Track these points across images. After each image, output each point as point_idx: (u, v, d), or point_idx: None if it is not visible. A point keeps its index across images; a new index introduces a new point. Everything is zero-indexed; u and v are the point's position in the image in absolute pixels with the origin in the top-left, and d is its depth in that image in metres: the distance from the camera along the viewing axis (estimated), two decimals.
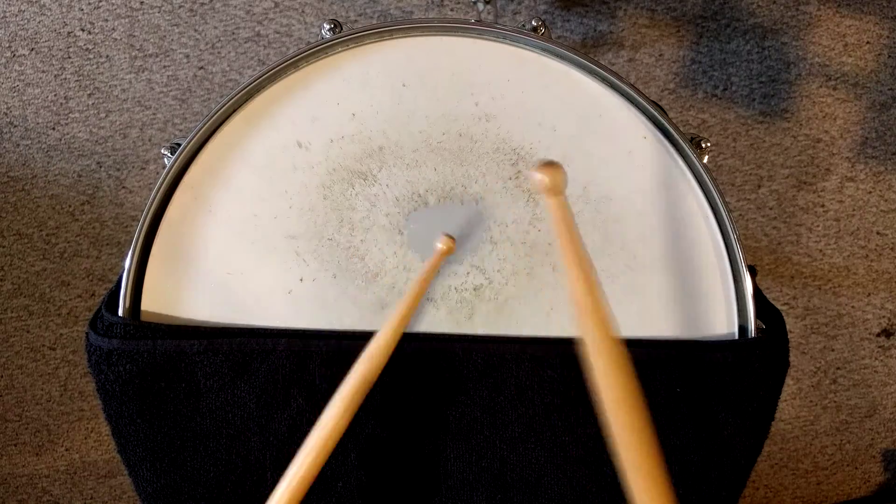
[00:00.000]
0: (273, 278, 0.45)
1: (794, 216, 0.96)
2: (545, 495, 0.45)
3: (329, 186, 0.45)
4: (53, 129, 0.92)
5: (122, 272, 0.44)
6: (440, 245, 0.43)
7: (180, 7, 0.89)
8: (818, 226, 0.96)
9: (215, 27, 0.89)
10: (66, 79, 0.90)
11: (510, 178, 0.45)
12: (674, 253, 0.45)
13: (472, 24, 0.45)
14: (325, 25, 0.46)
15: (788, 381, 0.91)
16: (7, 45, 0.89)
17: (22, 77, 0.90)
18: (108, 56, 0.90)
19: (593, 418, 0.41)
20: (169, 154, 0.45)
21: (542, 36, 0.46)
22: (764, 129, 0.93)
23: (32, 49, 0.89)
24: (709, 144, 0.47)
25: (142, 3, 0.88)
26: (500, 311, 0.45)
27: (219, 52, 0.90)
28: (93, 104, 0.91)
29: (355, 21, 0.89)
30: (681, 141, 0.45)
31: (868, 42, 0.91)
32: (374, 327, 0.45)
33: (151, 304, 0.45)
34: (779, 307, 0.49)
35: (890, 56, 0.91)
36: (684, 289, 0.45)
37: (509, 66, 0.45)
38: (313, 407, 0.44)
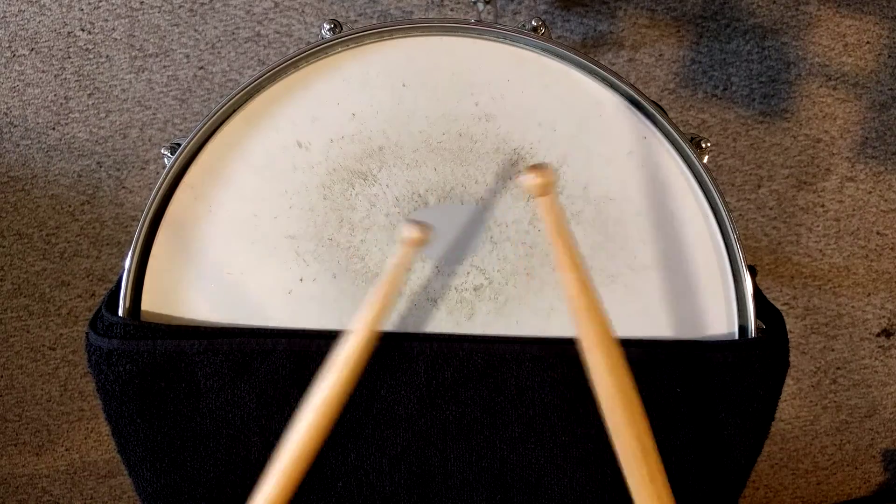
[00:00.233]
0: (273, 278, 0.45)
1: (794, 216, 0.96)
2: (545, 495, 0.45)
3: (329, 186, 0.45)
4: (53, 129, 0.92)
5: (122, 272, 0.44)
6: (406, 234, 0.39)
7: (180, 7, 0.89)
8: (818, 226, 0.96)
9: (215, 27, 0.89)
10: (66, 79, 0.90)
11: (510, 178, 0.45)
12: (674, 253, 0.45)
13: (472, 24, 0.45)
14: (325, 25, 0.46)
15: (788, 381, 0.91)
16: (7, 45, 0.89)
17: (22, 77, 0.90)
18: (108, 56, 0.90)
19: (593, 418, 0.41)
20: (169, 154, 0.45)
21: (542, 36, 0.46)
22: (764, 129, 0.93)
23: (32, 49, 0.89)
24: (709, 144, 0.47)
25: (142, 3, 0.88)
26: (500, 311, 0.45)
27: (219, 52, 0.90)
28: (93, 104, 0.91)
29: (355, 21, 0.89)
30: (681, 141, 0.45)
31: (868, 42, 0.91)
32: None
33: (151, 304, 0.45)
34: (779, 307, 0.49)
35: (890, 56, 0.91)
36: (684, 289, 0.45)
37: (509, 66, 0.45)
38: None
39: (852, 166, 0.94)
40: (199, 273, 0.45)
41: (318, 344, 0.43)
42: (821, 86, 0.92)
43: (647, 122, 0.45)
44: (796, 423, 1.05)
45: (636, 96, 0.45)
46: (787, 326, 0.45)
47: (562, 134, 0.45)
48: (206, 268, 0.45)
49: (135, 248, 0.44)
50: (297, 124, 0.45)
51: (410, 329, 0.45)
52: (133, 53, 0.90)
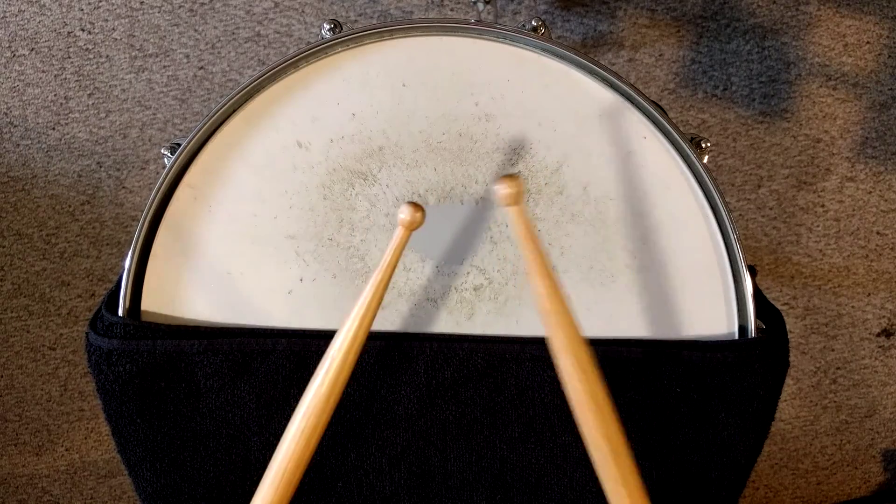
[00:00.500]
0: (273, 278, 0.45)
1: (794, 216, 0.96)
2: (545, 495, 0.45)
3: (329, 186, 0.45)
4: (53, 129, 0.92)
5: (122, 272, 0.44)
6: (403, 216, 0.39)
7: (180, 7, 0.89)
8: (818, 226, 0.96)
9: (215, 27, 0.89)
10: (66, 79, 0.90)
11: None
12: (674, 253, 0.45)
13: (472, 24, 0.45)
14: (325, 25, 0.46)
15: (788, 381, 0.91)
16: (7, 45, 0.89)
17: (22, 77, 0.90)
18: (108, 56, 0.90)
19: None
20: (169, 154, 0.45)
21: (542, 36, 0.46)
22: (764, 129, 0.93)
23: (32, 49, 0.89)
24: (709, 144, 0.47)
25: (142, 3, 0.88)
26: (500, 311, 0.45)
27: (219, 52, 0.90)
28: (93, 104, 0.91)
29: (355, 21, 0.89)
30: (681, 141, 0.45)
31: (868, 42, 0.91)
32: (374, 327, 0.45)
33: (151, 304, 0.45)
34: (779, 307, 0.49)
35: (890, 56, 0.91)
36: (684, 289, 0.45)
37: (509, 66, 0.45)
38: None
39: (852, 166, 0.94)
40: (199, 273, 0.45)
41: (318, 344, 0.43)
42: (821, 86, 0.92)
43: (647, 122, 0.45)
44: (796, 423, 1.05)
45: (636, 96, 0.45)
46: (787, 326, 0.45)
47: (562, 134, 0.45)
48: (206, 268, 0.45)
49: (135, 248, 0.44)
50: (297, 124, 0.45)
51: (410, 329, 0.45)
52: (133, 53, 0.90)
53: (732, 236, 0.45)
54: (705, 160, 0.45)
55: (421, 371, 0.44)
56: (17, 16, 0.88)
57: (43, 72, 0.90)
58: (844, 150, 0.94)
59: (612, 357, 0.43)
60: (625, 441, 0.37)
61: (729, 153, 0.93)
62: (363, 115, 0.45)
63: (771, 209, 0.95)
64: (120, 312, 0.44)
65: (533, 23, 0.46)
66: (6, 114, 0.91)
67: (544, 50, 0.45)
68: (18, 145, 0.92)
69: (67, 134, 0.92)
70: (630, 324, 0.45)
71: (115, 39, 0.89)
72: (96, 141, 0.92)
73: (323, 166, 0.45)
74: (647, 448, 0.44)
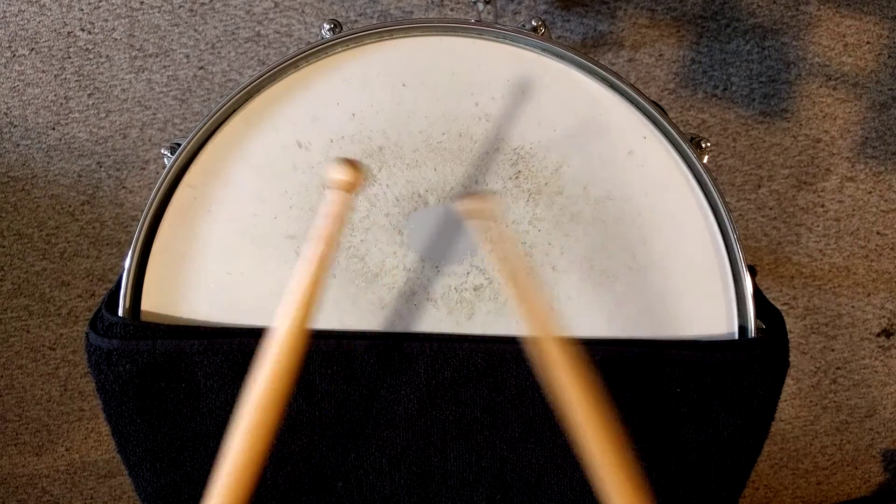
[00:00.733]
0: (273, 278, 0.45)
1: (794, 216, 0.96)
2: (545, 495, 0.45)
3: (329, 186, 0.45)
4: (53, 129, 0.92)
5: (122, 272, 0.44)
6: (336, 175, 0.35)
7: (180, 7, 0.89)
8: (818, 226, 0.96)
9: (215, 27, 0.89)
10: (66, 79, 0.90)
11: (510, 178, 0.45)
12: (674, 253, 0.45)
13: (472, 24, 0.45)
14: (325, 25, 0.46)
15: (788, 381, 0.91)
16: (7, 45, 0.89)
17: (22, 77, 0.90)
18: (108, 56, 0.90)
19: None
20: (169, 154, 0.45)
21: (542, 36, 0.46)
22: (764, 129, 0.93)
23: (32, 49, 0.89)
24: (709, 144, 0.47)
25: (142, 3, 0.88)
26: (500, 311, 0.45)
27: (219, 52, 0.90)
28: (93, 104, 0.91)
29: (355, 21, 0.89)
30: (681, 141, 0.45)
31: (868, 42, 0.91)
32: (374, 327, 0.45)
33: (151, 304, 0.45)
34: (779, 307, 0.49)
35: (890, 56, 0.91)
36: (684, 289, 0.45)
37: (509, 66, 0.45)
38: (313, 407, 0.44)
39: (852, 166, 0.94)
40: (200, 273, 0.45)
41: (317, 344, 0.43)
42: (821, 86, 0.92)
43: (647, 122, 0.45)
44: (796, 423, 1.05)
45: (636, 96, 0.45)
46: (787, 326, 0.45)
47: (562, 134, 0.45)
48: (206, 268, 0.45)
49: (135, 248, 0.44)
50: (297, 124, 0.45)
51: (411, 329, 0.45)
52: (133, 53, 0.90)
53: (732, 236, 0.45)
54: (705, 160, 0.45)
55: (421, 371, 0.44)
56: (17, 16, 0.88)
57: (43, 72, 0.90)
58: (844, 150, 0.94)
59: (612, 357, 0.43)
60: (609, 436, 0.37)
61: (729, 153, 0.94)
62: (363, 115, 0.45)
63: (771, 209, 0.95)
64: (120, 312, 0.44)
65: (533, 23, 0.46)
66: (6, 114, 0.91)
67: (544, 50, 0.45)
68: (18, 145, 0.92)
69: (67, 134, 0.92)
70: (630, 324, 0.45)
71: (115, 39, 0.89)
72: (96, 141, 0.92)
73: (323, 166, 0.45)
74: (646, 448, 0.44)
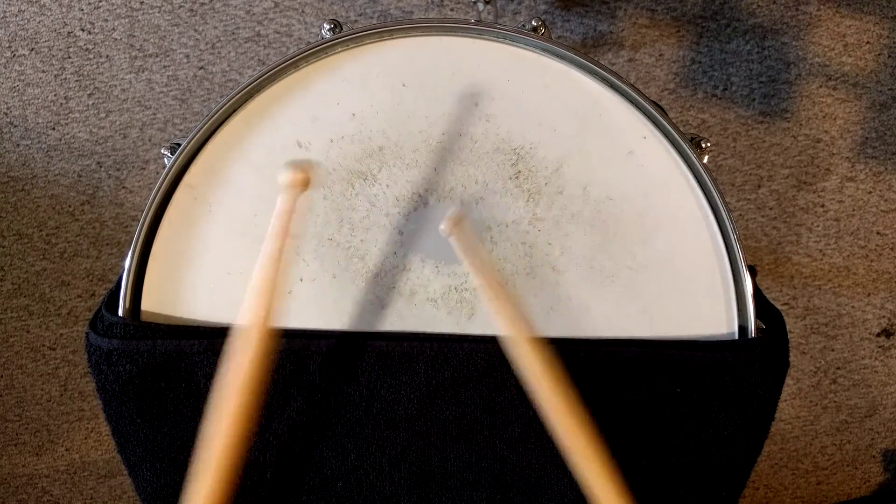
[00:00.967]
0: None
1: (794, 216, 0.96)
2: (545, 495, 0.45)
3: (329, 186, 0.45)
4: (53, 129, 0.92)
5: (122, 272, 0.44)
6: (287, 175, 0.39)
7: (180, 7, 0.89)
8: (818, 226, 0.96)
9: (215, 27, 0.89)
10: (66, 79, 0.91)
11: (510, 178, 0.45)
12: (674, 253, 0.45)
13: (472, 24, 0.45)
14: (325, 25, 0.46)
15: (788, 381, 0.91)
16: (7, 45, 0.89)
17: (22, 77, 0.90)
18: (108, 56, 0.90)
19: (593, 419, 0.41)
20: (169, 154, 0.45)
21: (542, 36, 0.46)
22: (764, 129, 0.93)
23: (32, 49, 0.89)
24: (709, 144, 0.47)
25: (142, 3, 0.88)
26: None
27: (219, 52, 0.90)
28: (93, 104, 0.91)
29: (355, 21, 0.89)
30: (681, 141, 0.45)
31: (868, 42, 0.91)
32: (374, 327, 0.45)
33: (151, 304, 0.45)
34: (779, 307, 0.49)
35: (890, 56, 0.91)
36: (684, 289, 0.45)
37: (509, 66, 0.45)
38: (313, 407, 0.44)
39: (852, 166, 0.94)
40: (199, 273, 0.45)
41: (318, 344, 0.43)
42: (821, 86, 0.92)
43: (647, 122, 0.45)
44: (796, 423, 1.05)
45: (636, 96, 0.45)
46: (787, 326, 0.45)
47: (562, 134, 0.45)
48: (206, 268, 0.45)
49: (135, 248, 0.44)
50: (297, 124, 0.45)
51: (410, 329, 0.45)
52: (133, 53, 0.90)
53: (732, 236, 0.45)
54: (705, 160, 0.45)
55: (421, 371, 0.44)
56: (17, 16, 0.88)
57: (43, 72, 0.90)
58: (844, 150, 0.94)
59: (612, 357, 0.43)
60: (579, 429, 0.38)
61: (729, 153, 0.94)
62: (363, 115, 0.45)
63: (771, 209, 0.95)
64: (120, 312, 0.44)
65: (533, 23, 0.46)
66: (6, 114, 0.91)
67: (544, 50, 0.45)
68: (18, 145, 0.92)
69: (67, 134, 0.92)
70: (630, 324, 0.45)
71: (115, 39, 0.89)
72: (96, 141, 0.92)
73: (323, 166, 0.45)
74: (647, 448, 0.44)
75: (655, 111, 0.45)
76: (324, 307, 0.45)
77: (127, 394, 0.43)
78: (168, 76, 0.90)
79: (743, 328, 0.45)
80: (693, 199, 0.45)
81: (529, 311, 0.45)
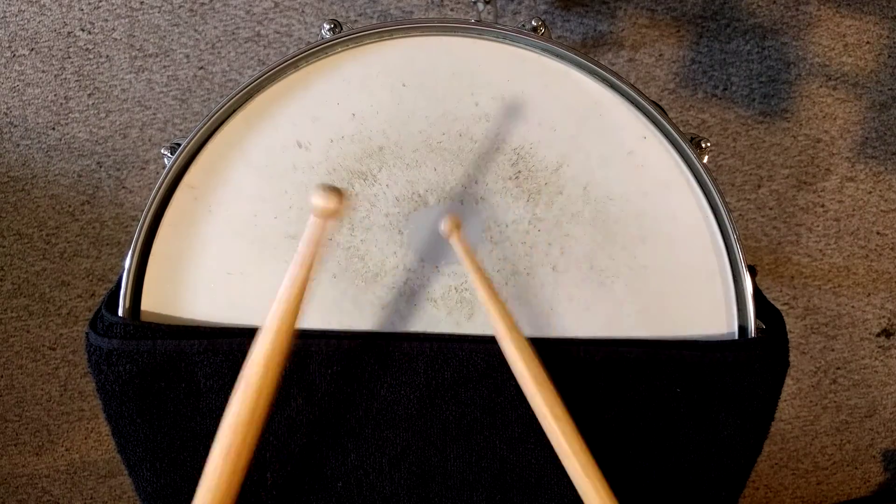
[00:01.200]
0: (273, 278, 0.45)
1: (794, 216, 0.96)
2: (545, 495, 0.45)
3: None
4: (53, 129, 0.92)
5: (122, 272, 0.44)
6: (319, 202, 0.36)
7: (180, 7, 0.89)
8: (818, 226, 0.96)
9: (215, 27, 0.89)
10: (66, 79, 0.91)
11: (510, 178, 0.45)
12: (673, 253, 0.45)
13: (472, 24, 0.45)
14: (325, 25, 0.46)
15: (788, 381, 0.91)
16: (7, 45, 0.89)
17: (22, 77, 0.90)
18: (108, 56, 0.90)
19: (593, 419, 0.41)
20: (169, 154, 0.45)
21: (542, 36, 0.46)
22: (764, 129, 0.93)
23: (32, 49, 0.89)
24: (709, 144, 0.47)
25: (142, 3, 0.88)
26: None
27: (219, 52, 0.90)
28: (93, 104, 0.91)
29: (355, 21, 0.89)
30: (681, 141, 0.45)
31: (868, 42, 0.91)
32: (374, 327, 0.45)
33: (151, 304, 0.45)
34: (779, 307, 0.49)
35: (890, 56, 0.91)
36: (684, 289, 0.45)
37: (509, 66, 0.45)
38: (313, 407, 0.44)
39: (852, 166, 0.94)
40: (199, 273, 0.45)
41: (318, 344, 0.43)
42: (821, 86, 0.92)
43: (647, 122, 0.45)
44: (796, 423, 1.05)
45: (636, 96, 0.45)
46: (787, 326, 0.45)
47: (562, 134, 0.45)
48: (206, 268, 0.45)
49: (135, 248, 0.44)
50: (297, 124, 0.45)
51: (410, 329, 0.45)
52: (133, 53, 0.90)
53: (732, 236, 0.45)
54: (705, 160, 0.45)
55: (421, 371, 0.44)
56: (17, 16, 0.88)
57: (43, 72, 0.90)
58: (844, 150, 0.94)
59: (612, 357, 0.43)
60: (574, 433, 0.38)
61: (729, 153, 0.94)
62: (363, 115, 0.45)
63: (771, 209, 0.95)
64: (120, 312, 0.44)
65: (533, 23, 0.46)
66: (6, 114, 0.91)
67: (544, 50, 0.45)
68: (18, 145, 0.92)
69: (67, 134, 0.92)
70: (630, 324, 0.45)
71: (115, 39, 0.89)
72: (96, 141, 0.92)
73: (323, 166, 0.45)
74: (647, 448, 0.44)
75: (655, 111, 0.45)
76: (324, 307, 0.45)
77: (127, 394, 0.43)
78: (168, 76, 0.90)
79: (743, 328, 0.45)
80: (693, 199, 0.45)
81: (529, 312, 0.45)
